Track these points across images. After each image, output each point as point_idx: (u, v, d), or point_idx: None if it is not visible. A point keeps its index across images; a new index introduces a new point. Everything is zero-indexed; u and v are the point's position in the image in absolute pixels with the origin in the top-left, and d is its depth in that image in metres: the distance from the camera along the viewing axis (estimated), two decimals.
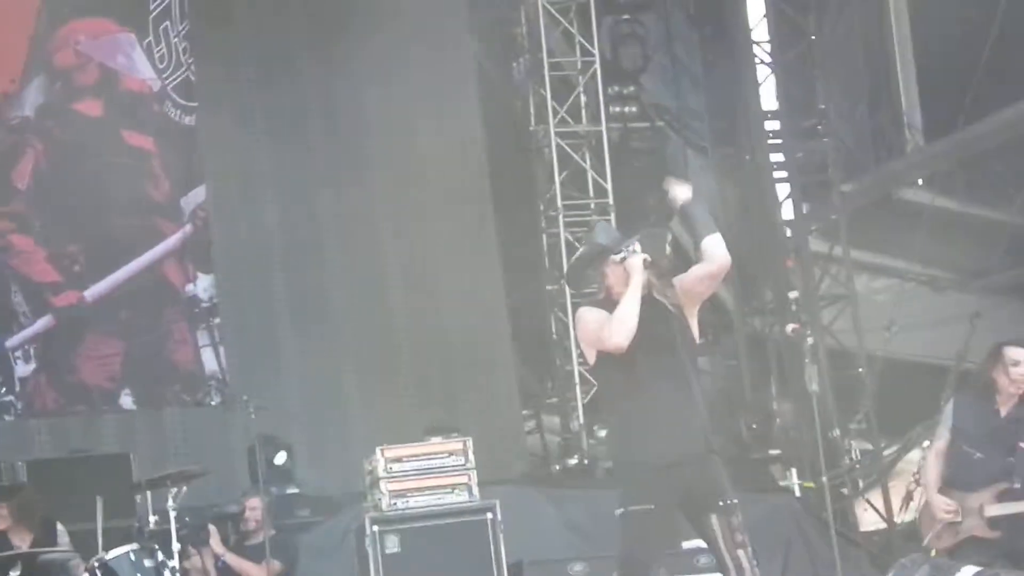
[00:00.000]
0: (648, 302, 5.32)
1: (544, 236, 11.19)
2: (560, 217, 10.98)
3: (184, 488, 7.61)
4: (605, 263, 5.43)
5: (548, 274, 11.17)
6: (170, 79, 10.58)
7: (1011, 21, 9.38)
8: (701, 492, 5.38)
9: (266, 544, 8.09)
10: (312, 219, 10.26)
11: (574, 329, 5.87)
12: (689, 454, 5.36)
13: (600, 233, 5.61)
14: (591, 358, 5.47)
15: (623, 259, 5.35)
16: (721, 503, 5.36)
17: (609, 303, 5.37)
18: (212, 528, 8.18)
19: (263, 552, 8.17)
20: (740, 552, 5.32)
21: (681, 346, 5.38)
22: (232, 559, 8.20)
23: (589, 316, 5.42)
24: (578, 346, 10.25)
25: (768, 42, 11.56)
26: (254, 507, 8.47)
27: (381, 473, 7.87)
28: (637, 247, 5.38)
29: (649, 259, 5.34)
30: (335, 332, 10.11)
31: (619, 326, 5.25)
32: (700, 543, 7.03)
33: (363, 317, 10.26)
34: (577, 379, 10.69)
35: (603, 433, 10.10)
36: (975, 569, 6.56)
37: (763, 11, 11.60)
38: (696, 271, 5.41)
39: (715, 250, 5.38)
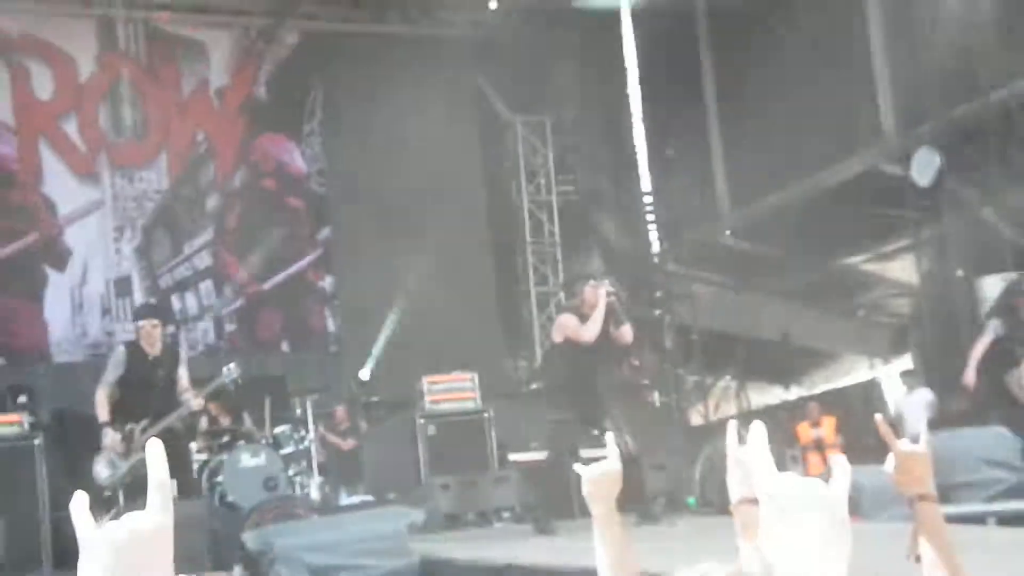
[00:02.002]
0: (604, 319, 5.12)
1: (519, 260, 11.01)
2: (528, 248, 10.82)
3: (315, 396, 7.48)
4: (586, 284, 5.30)
5: (521, 279, 11.01)
6: (313, 166, 10.46)
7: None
8: (597, 410, 5.33)
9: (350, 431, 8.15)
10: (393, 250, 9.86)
11: (553, 322, 5.77)
12: (592, 393, 5.26)
13: (590, 266, 5.70)
14: (559, 338, 5.27)
15: (595, 285, 5.24)
16: (608, 413, 5.37)
17: (579, 311, 5.20)
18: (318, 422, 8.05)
19: (347, 434, 8.29)
20: (626, 436, 5.25)
21: (611, 350, 5.27)
22: (331, 437, 8.22)
23: (569, 319, 5.27)
24: (538, 320, 10.57)
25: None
26: (339, 411, 8.47)
27: (425, 390, 7.65)
28: (607, 282, 5.30)
29: (612, 291, 5.23)
30: (403, 305, 9.85)
31: (591, 327, 5.14)
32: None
33: (416, 298, 9.86)
34: (537, 339, 10.60)
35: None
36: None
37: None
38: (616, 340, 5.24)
39: (627, 334, 5.25)
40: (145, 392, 5.52)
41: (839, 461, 0.84)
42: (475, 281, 10.38)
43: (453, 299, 9.80)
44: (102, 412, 5.53)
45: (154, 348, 5.63)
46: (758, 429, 0.79)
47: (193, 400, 5.56)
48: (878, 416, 1.35)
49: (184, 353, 6.24)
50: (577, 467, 1.48)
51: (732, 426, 1.21)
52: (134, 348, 5.68)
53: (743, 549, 1.20)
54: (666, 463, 6.95)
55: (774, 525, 0.72)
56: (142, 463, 1.28)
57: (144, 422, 5.53)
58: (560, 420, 5.26)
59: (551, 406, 5.39)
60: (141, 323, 5.74)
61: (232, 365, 5.78)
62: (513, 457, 7.47)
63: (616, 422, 5.27)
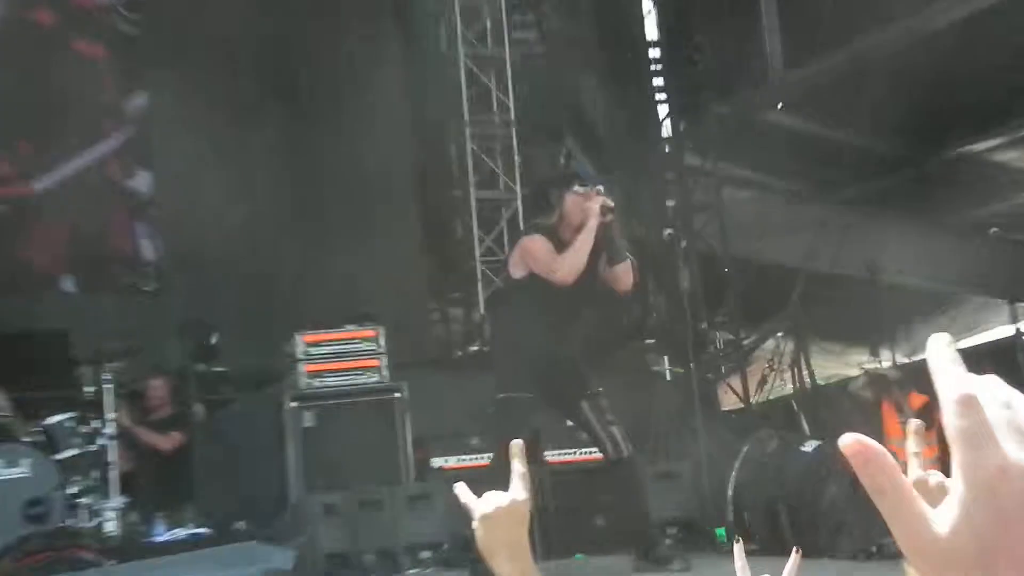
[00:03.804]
0: (593, 249, 5.21)
1: (453, 147, 10.80)
2: (467, 130, 10.59)
3: (118, 363, 7.30)
4: (568, 192, 5.30)
5: (456, 181, 10.84)
6: None
7: None
8: (572, 383, 5.37)
9: (173, 419, 8.06)
10: (242, 121, 9.69)
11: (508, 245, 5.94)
12: (568, 355, 5.36)
13: (579, 165, 5.74)
14: (520, 272, 5.36)
15: (586, 193, 5.23)
16: (589, 392, 5.37)
17: (556, 235, 5.26)
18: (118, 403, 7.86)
19: (168, 425, 8.12)
20: (613, 428, 5.33)
21: (598, 298, 5.42)
22: (139, 431, 8.03)
23: (540, 245, 5.30)
24: (481, 244, 10.43)
25: None
26: (156, 386, 8.31)
27: (299, 355, 7.58)
28: (601, 189, 5.28)
29: (609, 204, 5.19)
30: (263, 226, 9.69)
31: (571, 262, 5.19)
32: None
33: (290, 214, 9.84)
34: (479, 275, 10.39)
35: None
36: (816, 442, 6.83)
37: None
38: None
39: (625, 276, 5.33)
40: None
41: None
42: (382, 182, 10.32)
43: (345, 212, 9.91)
44: None
45: None
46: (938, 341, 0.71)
47: None
48: None
49: None
50: (460, 490, 1.58)
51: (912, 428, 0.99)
52: None
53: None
54: (680, 472, 7.27)
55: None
56: None
57: None
58: (513, 400, 5.35)
59: (500, 378, 5.51)
60: None
61: None
62: (440, 462, 7.61)
63: (598, 405, 5.35)
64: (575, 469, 7.32)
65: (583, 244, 5.19)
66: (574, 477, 7.10)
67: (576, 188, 5.34)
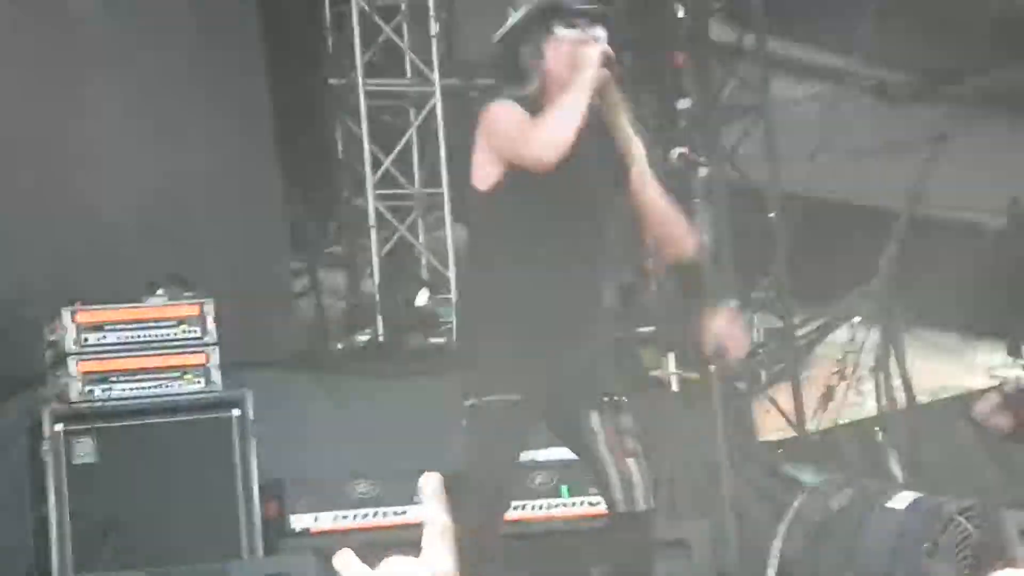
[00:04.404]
0: (590, 124, 5.46)
1: (326, 8, 10.89)
2: None
3: None
4: (549, 39, 5.59)
5: (332, 61, 10.94)
6: None
7: None
8: (583, 383, 5.64)
9: None
10: None
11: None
12: (577, 333, 5.63)
13: None
14: (487, 178, 5.64)
15: (577, 40, 5.54)
16: (607, 399, 5.62)
17: (535, 104, 5.56)
18: None
19: None
20: (631, 462, 5.56)
21: (606, 202, 5.71)
22: None
23: (506, 113, 5.62)
24: (377, 168, 10.55)
25: None
26: None
27: (71, 347, 7.80)
28: (600, 33, 5.56)
29: (613, 56, 5.49)
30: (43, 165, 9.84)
31: (550, 132, 5.43)
32: (542, 454, 7.75)
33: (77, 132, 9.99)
34: (373, 218, 10.57)
35: (423, 300, 10.47)
36: (914, 495, 7.32)
37: None
38: (670, 228, 5.88)
39: (636, 154, 5.66)
40: None
41: None
42: (209, 67, 10.44)
43: (162, 116, 10.11)
44: None
45: None
46: None
47: None
48: None
49: None
50: (342, 562, 1.76)
51: None
52: None
53: None
54: (694, 539, 7.72)
55: None
56: None
57: None
58: (489, 407, 5.59)
59: (469, 373, 5.80)
60: None
61: None
62: (305, 522, 7.89)
63: (616, 423, 5.63)
64: (547, 531, 7.70)
65: (572, 102, 5.45)
66: (547, 542, 7.54)
67: (559, 31, 5.57)
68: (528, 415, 5.68)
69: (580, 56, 5.51)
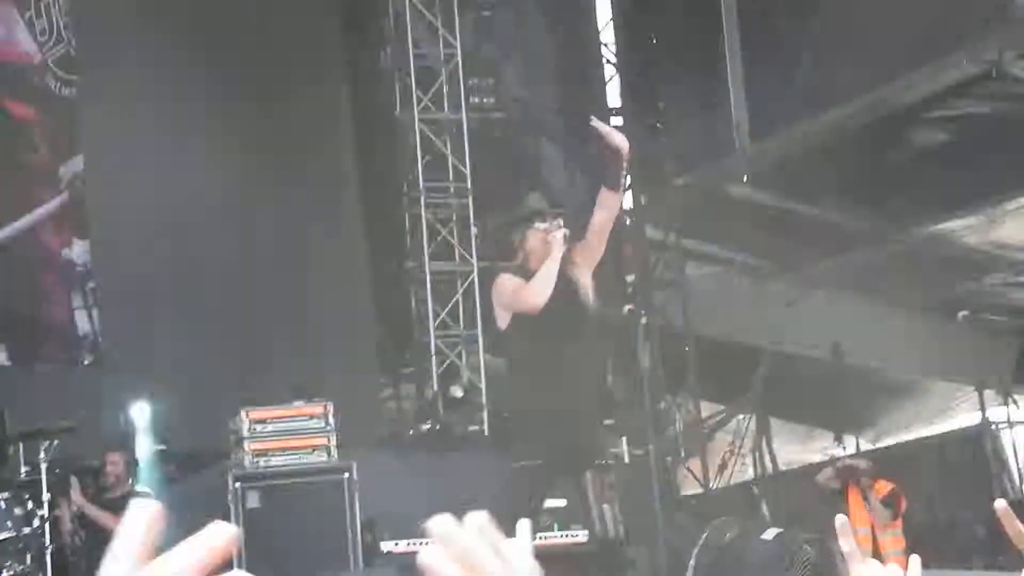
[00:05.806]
0: (561, 275, 5.49)
1: (406, 216, 11.04)
2: (422, 198, 10.88)
3: (55, 442, 7.41)
4: (530, 230, 5.60)
5: (410, 251, 11.06)
6: (50, 52, 10.17)
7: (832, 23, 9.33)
8: (583, 449, 5.55)
9: (127, 498, 7.66)
10: (186, 189, 9.99)
11: (492, 294, 5.97)
12: (581, 410, 5.56)
13: (533, 201, 5.82)
14: (504, 321, 5.62)
15: (547, 230, 5.53)
16: (598, 461, 5.56)
17: (524, 270, 5.57)
18: (73, 479, 7.99)
19: (123, 505, 7.86)
20: (606, 506, 5.48)
21: (583, 316, 5.59)
22: (91, 510, 7.92)
23: (508, 281, 5.60)
24: (436, 318, 10.65)
25: (615, 44, 11.53)
26: (115, 462, 8.27)
27: (245, 433, 7.80)
28: (561, 222, 5.58)
29: (569, 234, 5.51)
30: (205, 299, 9.88)
31: (538, 288, 5.43)
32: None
33: (232, 284, 10.04)
34: (433, 350, 10.62)
35: (459, 393, 10.22)
36: (776, 530, 7.15)
37: (610, 15, 11.58)
38: (598, 216, 5.62)
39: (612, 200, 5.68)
40: None
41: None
42: (331, 252, 10.54)
43: (294, 284, 10.15)
44: None
45: None
46: None
47: None
48: (1000, 504, 1.48)
49: None
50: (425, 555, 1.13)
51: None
52: None
53: None
54: (637, 558, 7.34)
55: None
56: None
57: None
58: (524, 469, 5.51)
59: (515, 446, 5.69)
60: None
61: None
62: (389, 546, 7.80)
63: (601, 480, 5.51)
64: (547, 555, 7.30)
65: (548, 268, 5.45)
66: (544, 564, 7.21)
67: (537, 225, 5.60)
68: (546, 475, 5.56)
69: (551, 239, 5.51)
